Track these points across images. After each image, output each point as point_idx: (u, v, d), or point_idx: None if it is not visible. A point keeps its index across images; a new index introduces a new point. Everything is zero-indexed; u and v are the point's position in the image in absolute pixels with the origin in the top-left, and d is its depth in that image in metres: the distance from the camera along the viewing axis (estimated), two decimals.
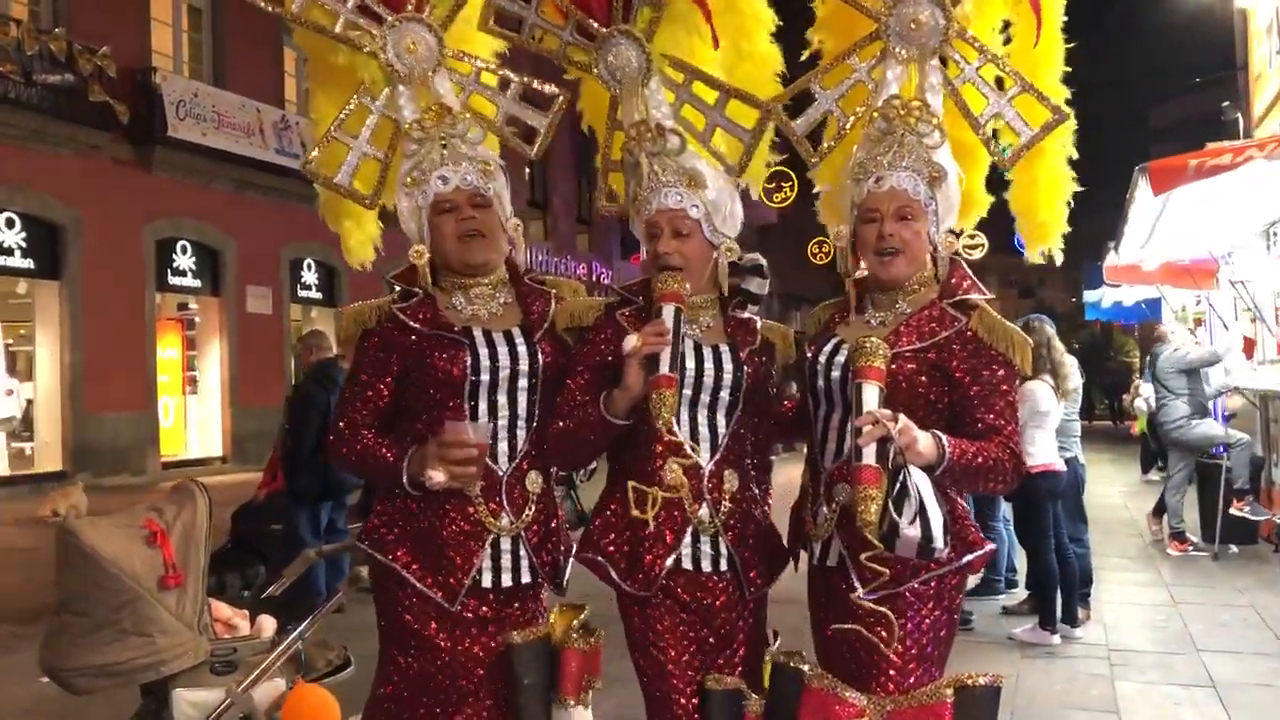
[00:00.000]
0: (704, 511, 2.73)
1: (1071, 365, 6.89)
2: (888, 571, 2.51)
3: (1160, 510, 10.12)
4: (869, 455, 2.40)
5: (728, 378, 2.77)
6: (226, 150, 17.25)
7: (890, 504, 2.39)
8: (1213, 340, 11.77)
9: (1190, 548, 9.38)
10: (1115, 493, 13.67)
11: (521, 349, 2.86)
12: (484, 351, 2.81)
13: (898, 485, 2.41)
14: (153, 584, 3.22)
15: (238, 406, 18.08)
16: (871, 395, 2.47)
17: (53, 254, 15.23)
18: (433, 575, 2.78)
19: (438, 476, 2.67)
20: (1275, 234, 9.71)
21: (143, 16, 16.62)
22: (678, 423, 2.71)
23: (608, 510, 2.81)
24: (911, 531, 2.38)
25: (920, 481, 2.42)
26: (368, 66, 3.05)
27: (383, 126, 3.07)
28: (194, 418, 18.36)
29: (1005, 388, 2.64)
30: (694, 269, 2.80)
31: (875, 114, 2.78)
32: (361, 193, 3.11)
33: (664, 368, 2.59)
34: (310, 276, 20.19)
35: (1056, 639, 6.50)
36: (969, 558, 2.66)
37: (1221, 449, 9.37)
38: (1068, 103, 2.93)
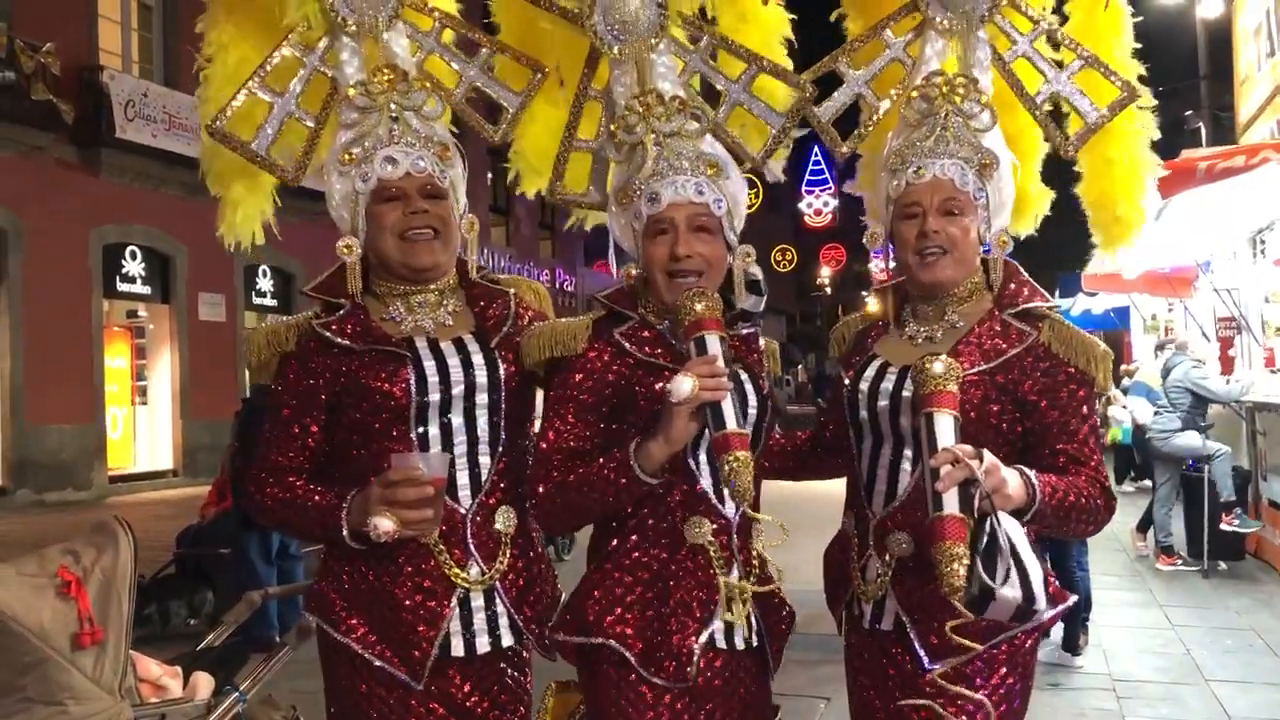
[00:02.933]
0: (735, 574, 2.22)
1: None
2: (980, 646, 2.09)
3: (1145, 525, 9.85)
4: (950, 503, 1.97)
5: (752, 412, 2.30)
6: (178, 153, 16.34)
7: (979, 561, 1.95)
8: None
9: (1179, 562, 9.11)
10: None
11: (477, 358, 2.33)
12: (430, 365, 2.29)
13: (985, 537, 1.97)
14: (65, 643, 2.73)
15: (189, 418, 17.41)
16: (946, 427, 2.04)
17: None
18: (391, 647, 2.27)
19: (385, 525, 2.11)
20: (1263, 241, 9.47)
21: (90, 13, 15.94)
22: (696, 468, 2.22)
23: (609, 579, 2.26)
24: (1009, 592, 1.95)
25: (1012, 530, 1.99)
26: (304, 4, 2.49)
27: (316, 84, 2.52)
28: (143, 429, 17.67)
29: (1086, 410, 2.24)
30: (713, 278, 2.29)
31: (914, 94, 2.36)
32: (283, 165, 2.55)
33: (731, 421, 2.06)
34: (265, 283, 19.57)
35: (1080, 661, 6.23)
36: (1051, 612, 2.24)
37: (1195, 463, 9.09)
38: (1141, 80, 2.55)
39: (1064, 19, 2.64)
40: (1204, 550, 8.88)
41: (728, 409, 2.07)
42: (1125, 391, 11.71)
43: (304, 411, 2.34)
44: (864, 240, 2.55)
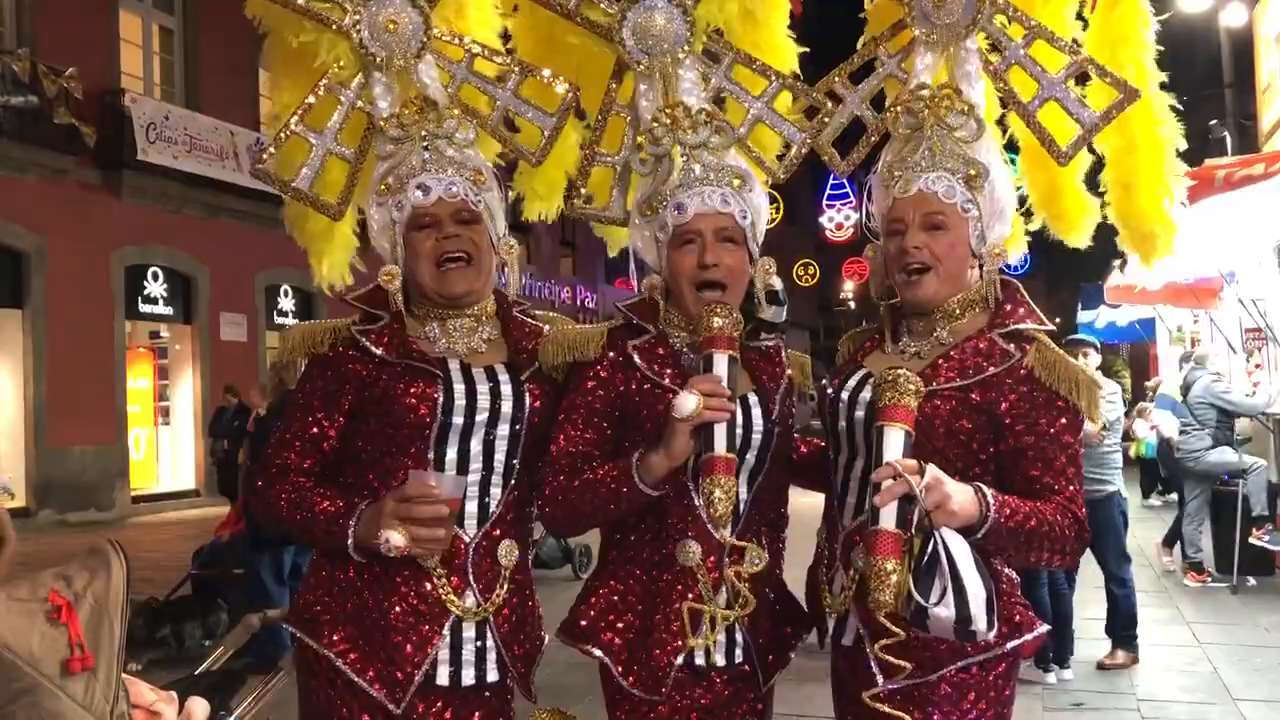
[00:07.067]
0: (723, 597, 2.23)
1: (1113, 393, 6.52)
2: (909, 665, 2.05)
3: (1171, 540, 9.69)
4: (887, 518, 1.95)
5: (756, 437, 2.28)
6: (199, 174, 16.70)
7: (915, 577, 1.92)
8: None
9: (1209, 579, 8.94)
10: None
11: (506, 388, 2.33)
12: (460, 388, 2.29)
13: (927, 554, 1.93)
14: (55, 669, 2.63)
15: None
16: (895, 441, 2.00)
17: (15, 282, 14.68)
18: (374, 666, 2.22)
19: (396, 540, 2.11)
20: None
21: (111, 37, 16.14)
22: (695, 491, 2.20)
23: (605, 588, 2.30)
24: (943, 611, 1.92)
25: (955, 546, 1.95)
26: (336, 45, 2.53)
27: (354, 120, 2.56)
28: (165, 449, 17.77)
29: (1067, 439, 2.16)
30: (736, 289, 2.32)
31: (899, 109, 2.34)
32: (326, 201, 2.59)
33: (720, 445, 2.09)
34: (287, 303, 19.65)
35: (1051, 678, 6.18)
36: (1016, 642, 2.18)
37: (1230, 476, 8.95)
38: (1163, 86, 2.49)
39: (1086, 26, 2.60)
40: (1234, 565, 8.72)
41: (719, 433, 2.09)
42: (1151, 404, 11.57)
43: (326, 414, 2.34)
44: (863, 257, 2.53)
